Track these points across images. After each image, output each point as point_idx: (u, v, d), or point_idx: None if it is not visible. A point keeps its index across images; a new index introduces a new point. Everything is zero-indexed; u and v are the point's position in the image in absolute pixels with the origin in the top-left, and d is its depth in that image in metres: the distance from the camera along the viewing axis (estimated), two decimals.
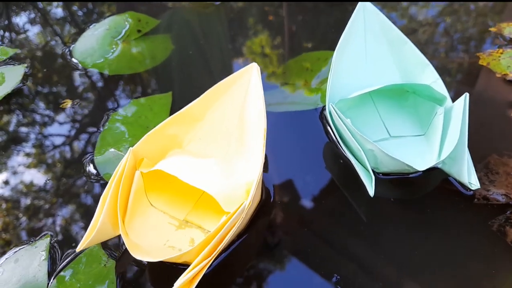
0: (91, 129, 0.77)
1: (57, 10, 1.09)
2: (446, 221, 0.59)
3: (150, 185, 0.61)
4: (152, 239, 0.56)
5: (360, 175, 0.59)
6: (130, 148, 0.57)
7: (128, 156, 0.56)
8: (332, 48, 0.70)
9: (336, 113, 0.62)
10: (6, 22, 1.06)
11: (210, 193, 0.55)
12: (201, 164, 0.61)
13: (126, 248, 0.52)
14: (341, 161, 0.67)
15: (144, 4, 1.06)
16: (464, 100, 0.59)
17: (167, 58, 0.90)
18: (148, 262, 0.57)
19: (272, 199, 0.64)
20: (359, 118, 0.69)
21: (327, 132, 0.72)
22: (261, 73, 0.87)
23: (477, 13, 0.98)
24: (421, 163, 0.60)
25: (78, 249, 0.51)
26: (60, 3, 1.11)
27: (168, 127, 0.62)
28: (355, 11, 0.71)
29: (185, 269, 0.48)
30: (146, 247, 0.54)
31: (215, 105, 0.65)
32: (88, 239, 0.51)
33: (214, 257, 0.51)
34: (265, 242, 0.60)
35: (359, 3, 0.71)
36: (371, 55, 0.72)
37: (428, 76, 0.68)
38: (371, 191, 0.57)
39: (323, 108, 0.75)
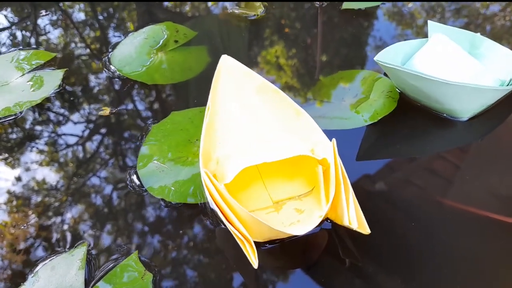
0: (131, 140, 0.77)
1: (97, 17, 1.11)
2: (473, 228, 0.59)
3: None
4: (274, 231, 0.56)
5: None
6: (203, 169, 0.59)
7: (208, 176, 0.58)
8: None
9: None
10: (37, 25, 1.07)
11: (303, 154, 0.62)
12: (259, 144, 0.67)
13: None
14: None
15: (164, 12, 1.08)
16: None
17: (204, 69, 0.90)
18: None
19: None
20: None
21: (365, 151, 0.73)
22: (293, 89, 0.87)
23: (493, 35, 0.96)
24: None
25: (256, 266, 0.52)
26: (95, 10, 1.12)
27: (205, 140, 0.65)
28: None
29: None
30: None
31: (217, 106, 0.70)
32: (254, 254, 0.53)
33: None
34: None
35: None
36: None
37: None
38: None
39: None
